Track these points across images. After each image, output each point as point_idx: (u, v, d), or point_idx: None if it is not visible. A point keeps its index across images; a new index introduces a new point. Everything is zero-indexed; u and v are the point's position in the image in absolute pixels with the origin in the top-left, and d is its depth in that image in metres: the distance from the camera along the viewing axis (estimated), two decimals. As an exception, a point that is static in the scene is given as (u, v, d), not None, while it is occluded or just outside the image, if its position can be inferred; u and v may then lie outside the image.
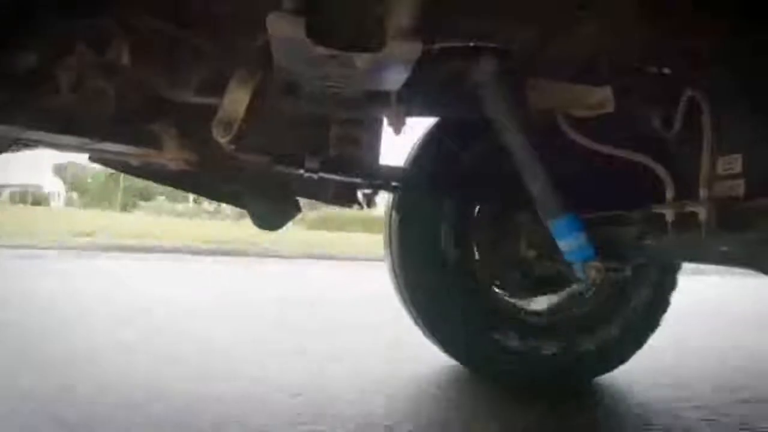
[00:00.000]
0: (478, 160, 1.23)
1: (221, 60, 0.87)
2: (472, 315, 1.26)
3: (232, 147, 0.93)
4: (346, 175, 1.06)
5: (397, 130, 1.02)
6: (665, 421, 1.06)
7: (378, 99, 0.98)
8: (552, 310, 1.36)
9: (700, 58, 0.89)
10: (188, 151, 0.93)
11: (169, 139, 0.91)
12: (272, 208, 1.06)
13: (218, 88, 0.87)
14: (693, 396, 1.22)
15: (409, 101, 0.99)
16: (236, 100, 0.87)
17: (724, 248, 0.83)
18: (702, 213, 0.85)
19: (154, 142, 0.92)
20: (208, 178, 1.05)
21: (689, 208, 0.89)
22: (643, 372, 1.36)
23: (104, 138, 0.87)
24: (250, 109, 0.88)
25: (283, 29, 0.67)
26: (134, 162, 1.00)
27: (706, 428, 1.02)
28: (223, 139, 0.89)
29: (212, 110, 0.87)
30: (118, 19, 0.79)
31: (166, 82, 0.86)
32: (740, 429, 1.02)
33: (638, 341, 1.33)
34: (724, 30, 0.79)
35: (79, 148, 0.95)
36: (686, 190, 0.93)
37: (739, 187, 0.87)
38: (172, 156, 0.92)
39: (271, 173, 1.03)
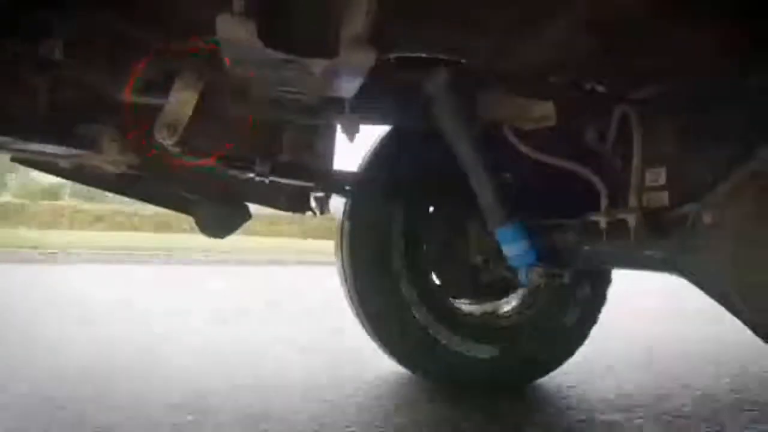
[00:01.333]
0: (430, 169, 1.26)
1: (168, 59, 0.83)
2: (421, 321, 1.28)
3: (178, 150, 0.89)
4: (299, 180, 1.04)
5: (351, 137, 1.03)
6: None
7: (332, 105, 0.98)
8: (498, 315, 1.41)
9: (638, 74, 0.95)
10: (130, 153, 0.88)
11: (109, 141, 0.85)
12: (220, 215, 1.02)
13: (164, 88, 0.83)
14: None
15: (363, 108, 1.00)
16: (182, 102, 0.84)
17: (649, 254, 0.91)
18: (631, 221, 0.93)
19: (92, 144, 0.86)
20: (151, 183, 0.99)
21: (620, 216, 0.96)
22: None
23: (30, 137, 0.80)
24: (197, 111, 0.85)
25: (234, 31, 0.65)
26: (65, 164, 0.93)
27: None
28: (167, 142, 0.85)
29: (158, 111, 0.83)
30: (55, 10, 0.74)
31: (106, 80, 0.81)
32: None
33: (574, 345, 1.41)
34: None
35: (1, 147, 0.87)
36: (619, 200, 1.01)
37: (664, 198, 0.95)
38: (112, 158, 0.87)
39: (220, 178, 1.00)
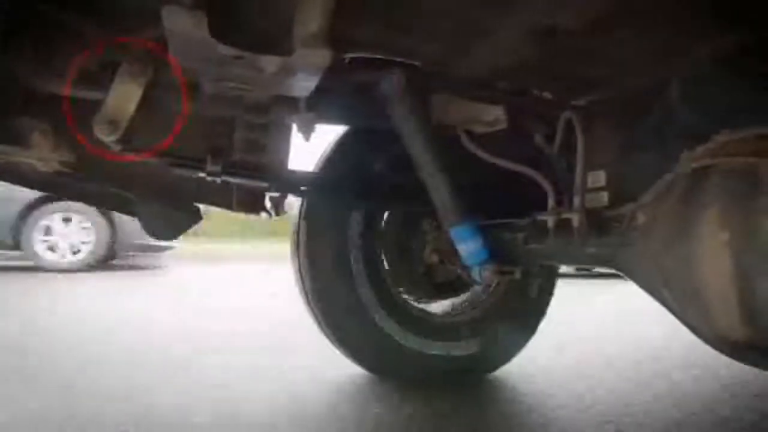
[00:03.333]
0: (386, 169, 1.27)
1: (109, 50, 0.78)
2: (377, 320, 1.29)
3: (119, 147, 0.84)
4: (252, 180, 1.02)
5: (307, 136, 1.01)
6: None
7: (287, 104, 0.96)
8: (451, 312, 1.44)
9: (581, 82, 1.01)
10: (64, 151, 0.81)
11: (40, 137, 0.78)
12: (167, 216, 0.97)
13: (104, 81, 0.78)
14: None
15: (318, 108, 0.99)
16: (124, 96, 0.79)
17: (591, 251, 0.97)
18: (575, 220, 0.98)
19: (21, 140, 0.78)
20: (88, 181, 0.92)
21: (565, 216, 1.01)
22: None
23: None
24: (141, 106, 0.80)
25: (182, 24, 0.62)
26: None
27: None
28: (107, 138, 0.80)
29: (97, 105, 0.77)
30: None
31: (37, 70, 0.74)
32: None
33: (524, 339, 1.48)
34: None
35: None
36: (565, 200, 1.07)
37: (603, 198, 1.02)
38: (43, 156, 0.80)
39: (166, 177, 0.95)
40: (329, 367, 1.41)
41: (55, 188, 0.97)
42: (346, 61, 0.95)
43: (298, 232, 1.31)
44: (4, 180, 0.93)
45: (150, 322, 2.26)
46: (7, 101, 0.76)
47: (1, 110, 0.76)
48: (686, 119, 0.85)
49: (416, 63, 0.94)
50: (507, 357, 1.45)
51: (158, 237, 1.03)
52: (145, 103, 0.81)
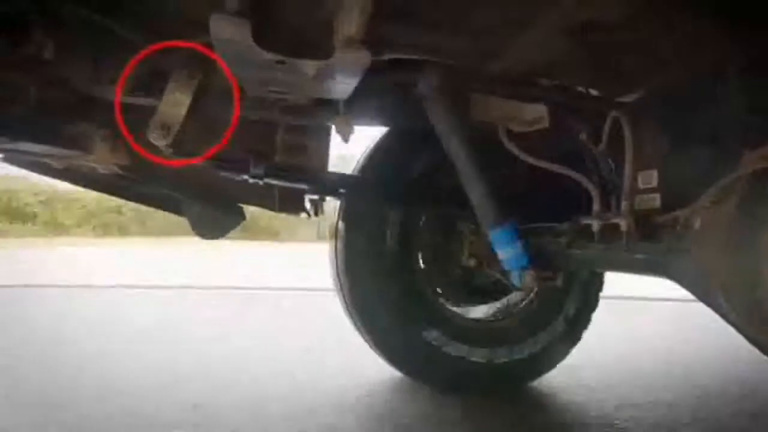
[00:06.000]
0: (424, 170, 1.26)
1: (159, 59, 0.83)
2: (414, 323, 1.28)
3: (171, 151, 0.88)
4: (293, 182, 1.04)
5: (346, 138, 1.03)
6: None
7: (326, 106, 0.98)
8: (490, 318, 1.41)
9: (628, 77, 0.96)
10: (121, 154, 0.87)
11: (99, 141, 0.84)
12: (213, 216, 1.02)
13: (155, 88, 0.83)
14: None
15: (357, 110, 1.00)
16: (176, 102, 0.83)
17: (640, 257, 0.91)
18: (623, 224, 0.93)
19: (83, 144, 0.85)
20: (143, 184, 0.98)
21: (612, 220, 0.96)
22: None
23: (22, 137, 0.79)
24: (190, 111, 0.84)
25: (227, 31, 0.65)
26: (56, 164, 0.92)
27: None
28: (160, 143, 0.84)
29: (150, 111, 0.82)
30: (40, 6, 0.73)
31: (95, 79, 0.80)
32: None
33: (567, 348, 1.42)
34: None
35: (-7, 148, 0.86)
36: (611, 203, 1.02)
37: (655, 200, 0.96)
38: (102, 159, 0.86)
39: (213, 179, 0.99)
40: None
41: (113, 190, 1.03)
42: (384, 62, 0.96)
43: (336, 233, 1.32)
44: (69, 181, 1.01)
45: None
46: (70, 109, 0.83)
47: (65, 117, 0.83)
48: (747, 115, 0.78)
49: (453, 62, 0.93)
50: (546, 366, 1.40)
51: (205, 237, 1.07)
52: (194, 108, 0.85)
